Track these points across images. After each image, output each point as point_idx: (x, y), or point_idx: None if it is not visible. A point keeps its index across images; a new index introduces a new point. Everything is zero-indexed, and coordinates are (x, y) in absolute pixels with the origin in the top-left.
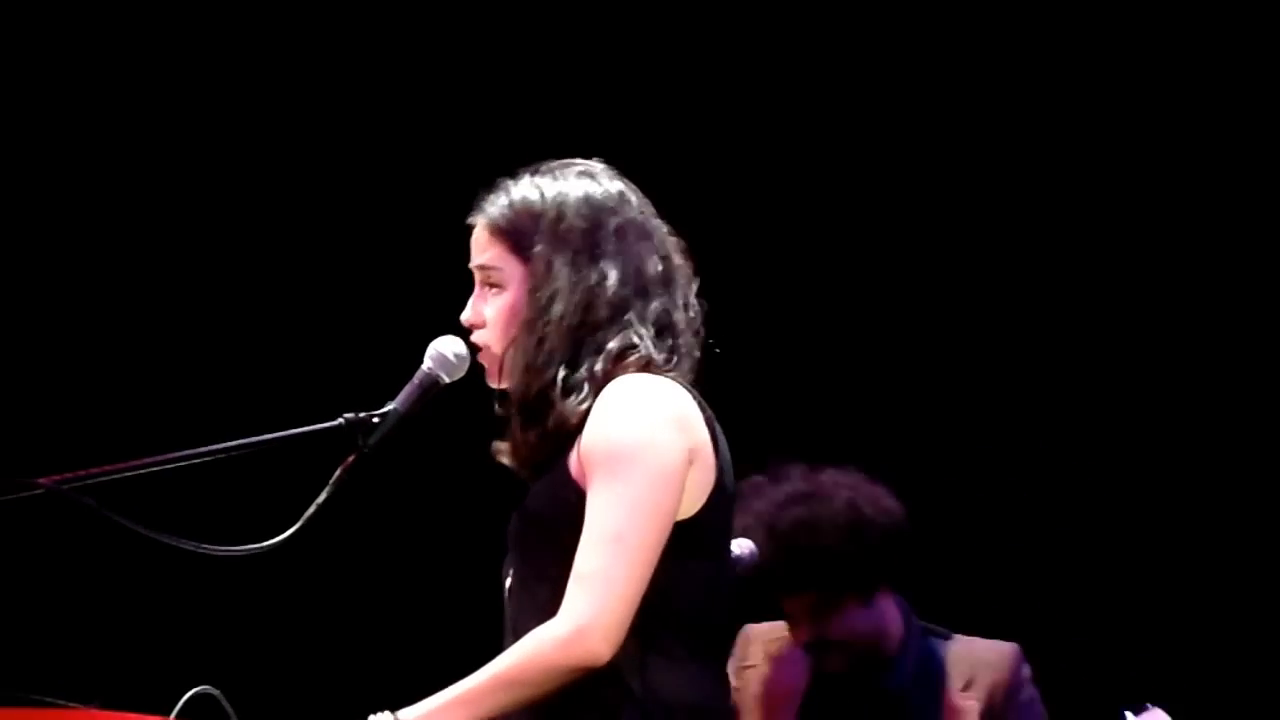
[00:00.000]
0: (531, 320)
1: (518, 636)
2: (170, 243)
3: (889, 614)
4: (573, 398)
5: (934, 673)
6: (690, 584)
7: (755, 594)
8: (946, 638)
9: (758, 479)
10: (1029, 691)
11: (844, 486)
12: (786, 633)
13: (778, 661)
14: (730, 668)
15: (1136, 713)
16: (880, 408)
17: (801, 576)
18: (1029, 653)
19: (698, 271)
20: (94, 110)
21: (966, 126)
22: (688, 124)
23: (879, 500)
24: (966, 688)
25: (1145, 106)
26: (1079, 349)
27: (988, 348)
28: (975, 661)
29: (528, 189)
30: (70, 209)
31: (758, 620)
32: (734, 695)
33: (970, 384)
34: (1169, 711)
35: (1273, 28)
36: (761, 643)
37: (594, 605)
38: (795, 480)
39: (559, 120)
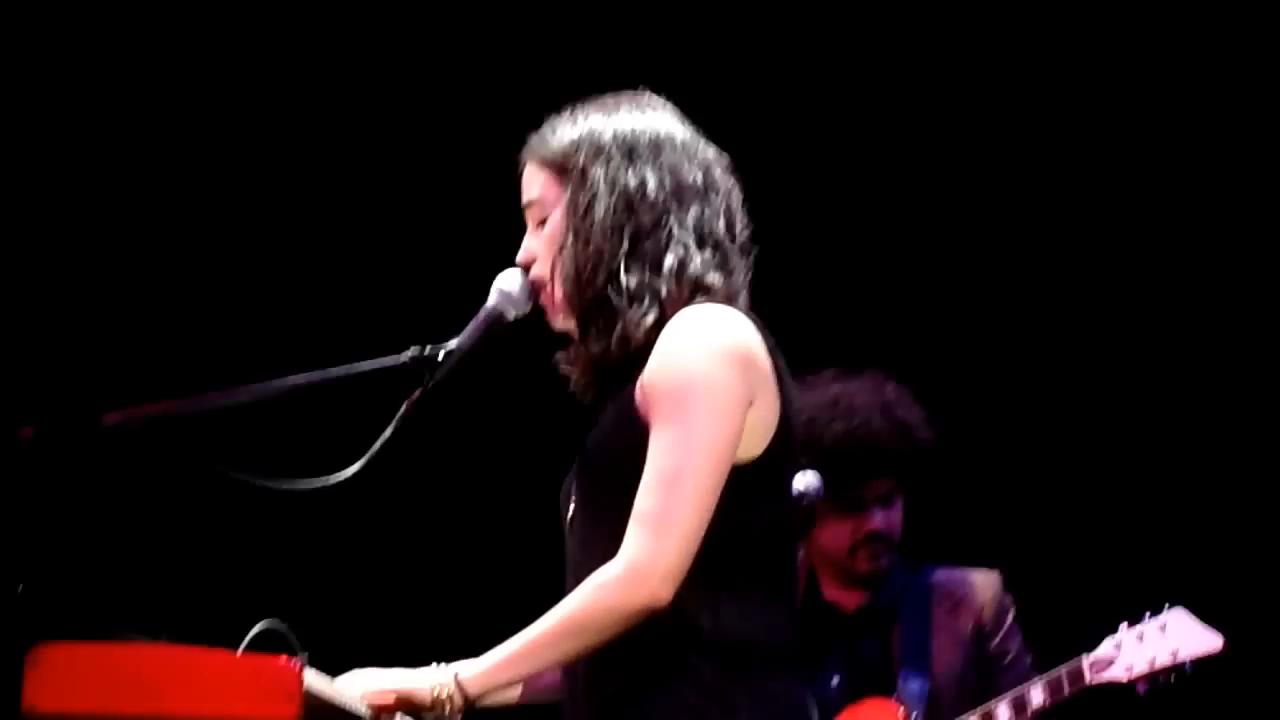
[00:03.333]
0: (575, 226)
1: (578, 574)
2: (239, 178)
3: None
4: (635, 308)
5: (921, 593)
6: (758, 522)
7: (838, 481)
8: (930, 566)
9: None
10: (1012, 617)
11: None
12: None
13: None
14: None
15: (1155, 613)
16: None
17: (896, 460)
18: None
19: (746, 192)
20: (152, 41)
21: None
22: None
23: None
24: (954, 610)
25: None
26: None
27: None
28: (964, 585)
29: (569, 120)
30: (129, 139)
31: None
32: None
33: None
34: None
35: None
36: None
37: (653, 547)
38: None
39: (611, 53)
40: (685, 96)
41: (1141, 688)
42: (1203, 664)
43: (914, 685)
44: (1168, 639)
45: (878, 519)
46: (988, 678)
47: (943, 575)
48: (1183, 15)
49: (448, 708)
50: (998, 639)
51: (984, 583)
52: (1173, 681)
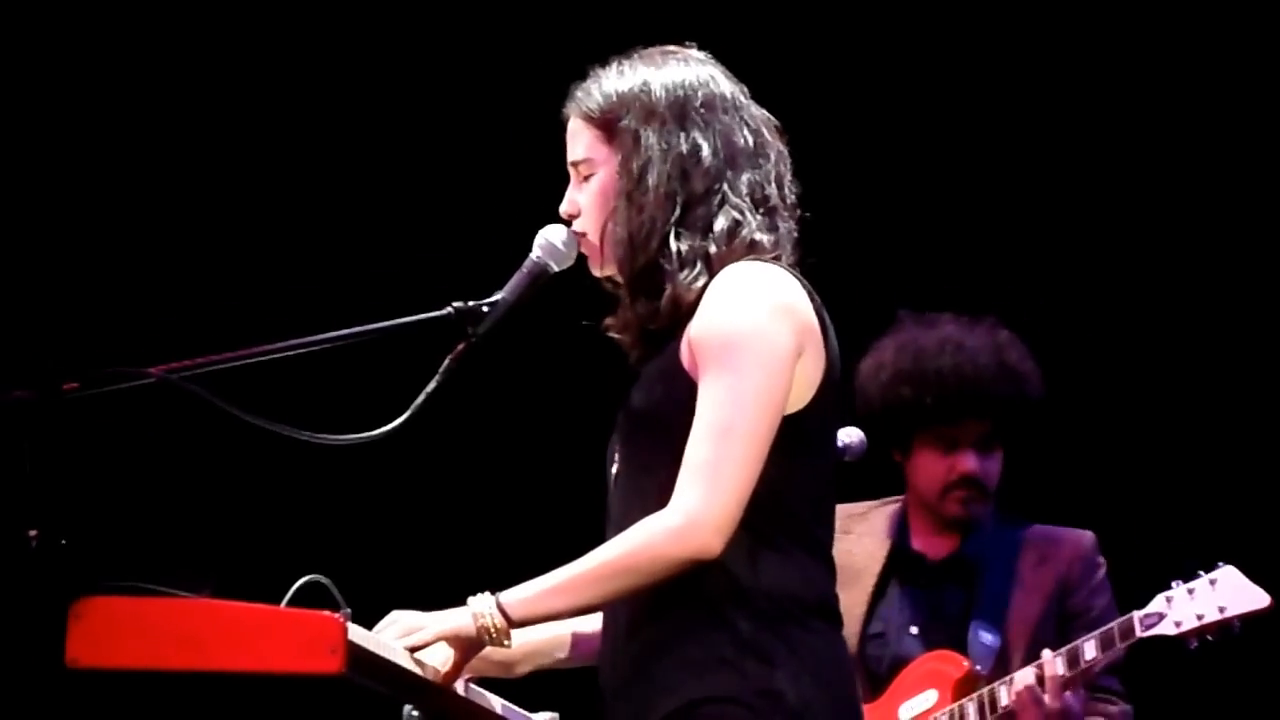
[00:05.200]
0: (628, 191)
1: (622, 527)
2: (279, 132)
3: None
4: (686, 272)
5: (1010, 547)
6: (800, 477)
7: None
8: (1025, 524)
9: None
10: (1101, 577)
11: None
12: (865, 510)
13: (857, 536)
14: None
15: (1206, 571)
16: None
17: (999, 404)
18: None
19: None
20: None
21: None
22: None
23: None
24: (1041, 564)
25: None
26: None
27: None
28: (1053, 542)
29: (616, 74)
30: (170, 93)
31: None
32: None
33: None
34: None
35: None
36: (839, 519)
37: (706, 497)
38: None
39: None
40: (723, 48)
41: (1191, 643)
42: (1251, 622)
43: (986, 638)
44: (1217, 596)
45: (973, 461)
46: (1068, 635)
47: (1035, 531)
48: None
49: (492, 633)
50: (1080, 595)
51: (1075, 541)
52: (1221, 638)
